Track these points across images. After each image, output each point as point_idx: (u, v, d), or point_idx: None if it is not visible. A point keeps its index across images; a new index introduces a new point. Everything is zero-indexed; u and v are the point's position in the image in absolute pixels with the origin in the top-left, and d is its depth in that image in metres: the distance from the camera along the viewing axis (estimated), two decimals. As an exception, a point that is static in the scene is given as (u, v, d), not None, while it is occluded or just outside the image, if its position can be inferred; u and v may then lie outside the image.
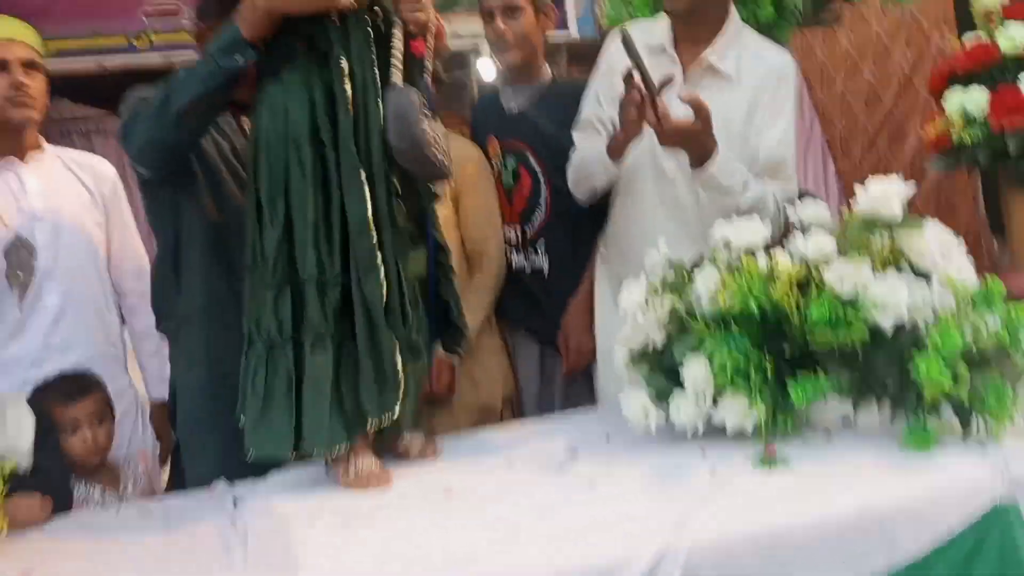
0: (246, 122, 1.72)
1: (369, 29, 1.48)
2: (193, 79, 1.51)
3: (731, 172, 1.70)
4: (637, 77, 1.57)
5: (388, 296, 1.46)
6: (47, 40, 4.27)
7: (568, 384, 2.17)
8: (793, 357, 1.37)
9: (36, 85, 2.00)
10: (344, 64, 1.43)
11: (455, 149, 2.17)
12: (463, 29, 4.71)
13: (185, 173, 1.69)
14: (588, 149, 1.84)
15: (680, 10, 1.78)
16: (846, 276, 1.32)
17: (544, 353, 2.20)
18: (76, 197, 2.02)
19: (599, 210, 1.97)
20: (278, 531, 1.20)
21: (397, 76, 1.46)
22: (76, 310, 1.97)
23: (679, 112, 1.63)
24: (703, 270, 1.44)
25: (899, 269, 1.35)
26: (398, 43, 1.48)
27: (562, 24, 4.71)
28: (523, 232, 2.17)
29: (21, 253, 1.92)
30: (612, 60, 1.86)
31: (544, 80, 2.21)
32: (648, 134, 1.67)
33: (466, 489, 1.33)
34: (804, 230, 1.47)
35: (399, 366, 1.45)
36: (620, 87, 1.63)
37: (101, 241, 2.05)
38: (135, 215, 2.16)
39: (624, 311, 1.45)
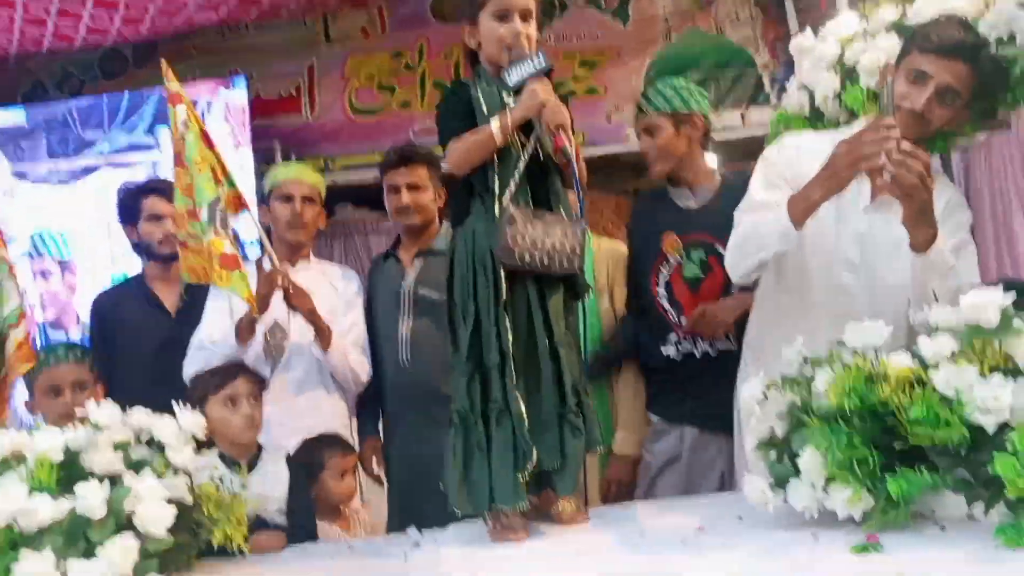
0: None
1: (519, 158, 1.81)
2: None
3: (947, 252, 1.74)
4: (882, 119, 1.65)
5: (551, 379, 1.77)
6: (335, 157, 5.18)
7: None
8: (903, 452, 1.46)
9: (310, 214, 2.60)
10: (497, 192, 1.80)
11: (609, 246, 2.45)
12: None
13: None
14: (760, 220, 1.85)
15: (912, 138, 1.74)
16: (950, 378, 1.41)
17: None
18: (324, 297, 2.53)
19: None
20: (432, 568, 1.53)
21: (508, 195, 1.78)
22: (316, 382, 2.49)
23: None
24: (823, 368, 1.58)
25: (1008, 373, 1.40)
26: (521, 163, 1.80)
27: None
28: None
29: (277, 334, 2.48)
30: (785, 151, 1.98)
31: (713, 178, 2.42)
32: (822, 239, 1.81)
33: (593, 550, 1.56)
34: (930, 332, 1.56)
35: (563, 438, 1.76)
36: (795, 169, 1.81)
37: (341, 331, 2.54)
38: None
39: (744, 403, 1.62)
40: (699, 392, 2.34)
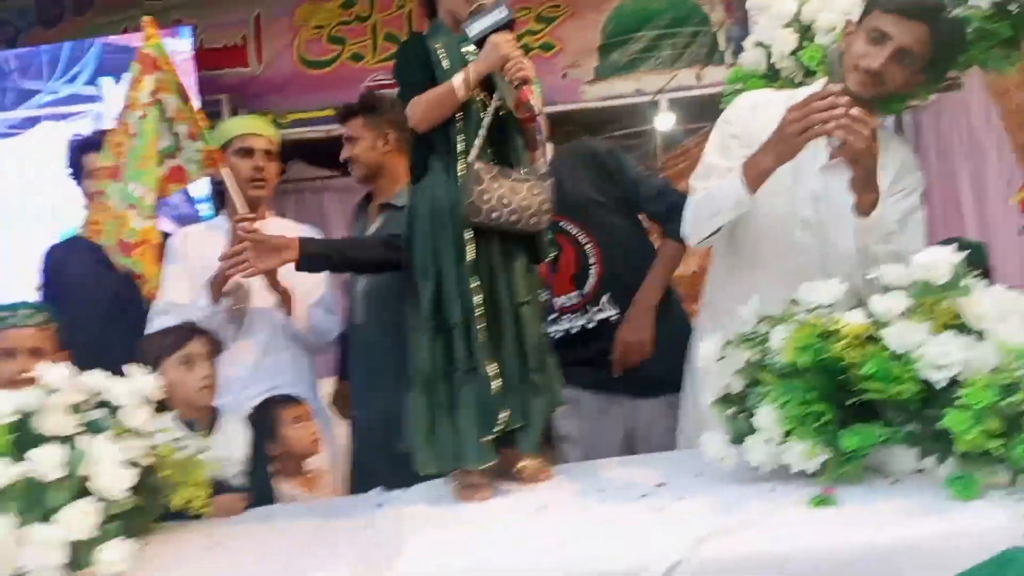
0: None
1: (482, 115, 1.78)
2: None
3: (888, 216, 1.78)
4: (830, 86, 1.66)
5: (512, 339, 1.77)
6: (287, 112, 5.06)
7: None
8: (857, 407, 1.50)
9: (270, 169, 2.53)
10: (459, 150, 1.77)
11: None
12: (648, 86, 5.00)
13: None
14: (714, 187, 1.88)
15: (869, 97, 1.79)
16: (901, 334, 1.44)
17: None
18: None
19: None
20: (397, 528, 1.52)
21: (474, 152, 1.75)
22: (280, 343, 2.46)
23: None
24: (778, 326, 1.61)
25: (959, 330, 1.44)
26: (486, 120, 1.77)
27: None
28: (581, 295, 2.37)
29: (240, 293, 2.43)
30: (740, 111, 1.99)
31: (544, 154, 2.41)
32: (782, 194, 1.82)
33: (557, 506, 1.59)
34: (885, 289, 1.59)
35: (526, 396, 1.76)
36: (750, 128, 1.81)
37: (304, 291, 2.51)
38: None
39: (700, 361, 1.64)
40: (593, 360, 2.35)
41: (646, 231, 2.52)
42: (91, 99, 4.81)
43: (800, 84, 2.13)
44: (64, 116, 4.85)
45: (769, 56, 2.17)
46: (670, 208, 2.36)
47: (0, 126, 4.94)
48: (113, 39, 4.82)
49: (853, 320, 1.52)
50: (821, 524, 1.33)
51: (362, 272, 2.40)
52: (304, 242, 2.09)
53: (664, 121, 4.97)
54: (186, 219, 4.32)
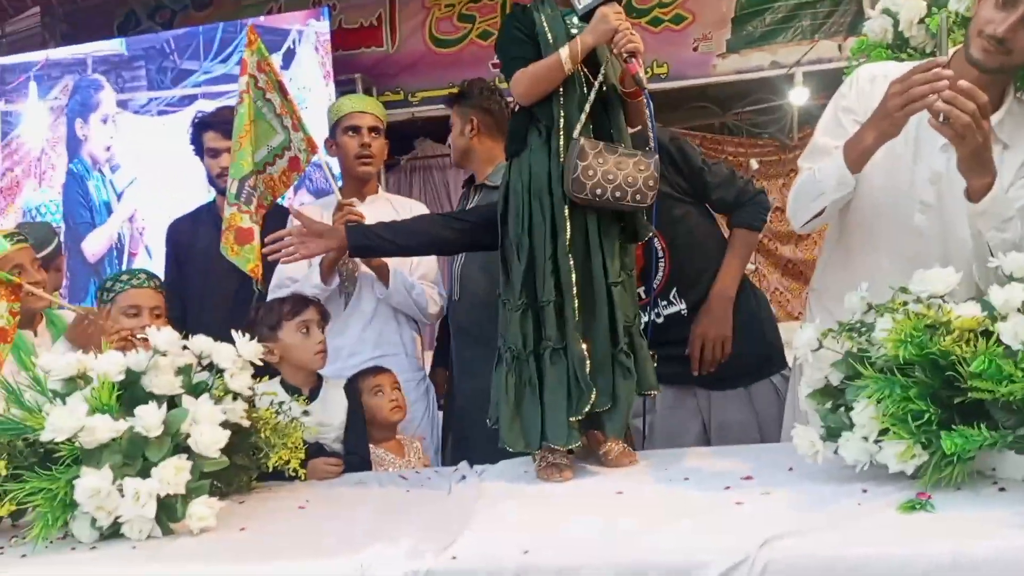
0: None
1: (585, 89, 1.75)
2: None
3: (1007, 202, 1.65)
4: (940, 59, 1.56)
5: (604, 319, 1.74)
6: (416, 91, 5.17)
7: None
8: (964, 406, 1.38)
9: (377, 146, 2.60)
10: (561, 125, 1.74)
11: None
12: (784, 58, 4.78)
13: None
14: (817, 168, 1.79)
15: (994, 67, 1.68)
16: (1017, 329, 1.32)
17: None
18: None
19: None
20: (472, 502, 1.54)
21: (578, 127, 1.72)
22: (384, 315, 2.52)
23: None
24: (883, 316, 1.50)
25: (1085, 327, 1.30)
26: (591, 94, 1.74)
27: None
28: (647, 290, 2.25)
29: (349, 265, 2.52)
30: (858, 83, 1.86)
31: None
32: (899, 177, 1.70)
33: (634, 492, 1.55)
34: (1009, 279, 1.46)
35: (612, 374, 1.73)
36: (868, 103, 1.70)
37: (407, 265, 2.56)
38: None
39: (796, 350, 1.56)
40: (662, 355, 2.18)
41: (714, 220, 2.41)
42: (243, 78, 5.07)
43: (930, 54, 1.97)
44: (218, 95, 5.14)
45: (896, 24, 2.02)
46: (738, 195, 2.28)
47: (160, 104, 5.30)
48: (261, 20, 5.07)
49: (965, 312, 1.40)
50: (907, 530, 1.23)
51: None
52: (350, 231, 2.12)
53: (799, 95, 4.74)
54: (323, 193, 4.52)
